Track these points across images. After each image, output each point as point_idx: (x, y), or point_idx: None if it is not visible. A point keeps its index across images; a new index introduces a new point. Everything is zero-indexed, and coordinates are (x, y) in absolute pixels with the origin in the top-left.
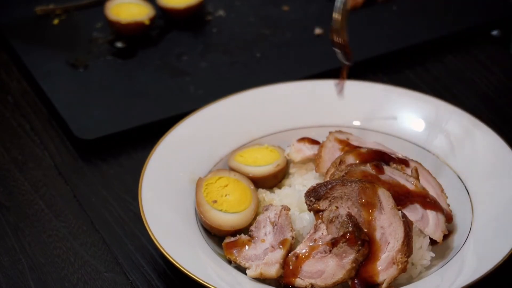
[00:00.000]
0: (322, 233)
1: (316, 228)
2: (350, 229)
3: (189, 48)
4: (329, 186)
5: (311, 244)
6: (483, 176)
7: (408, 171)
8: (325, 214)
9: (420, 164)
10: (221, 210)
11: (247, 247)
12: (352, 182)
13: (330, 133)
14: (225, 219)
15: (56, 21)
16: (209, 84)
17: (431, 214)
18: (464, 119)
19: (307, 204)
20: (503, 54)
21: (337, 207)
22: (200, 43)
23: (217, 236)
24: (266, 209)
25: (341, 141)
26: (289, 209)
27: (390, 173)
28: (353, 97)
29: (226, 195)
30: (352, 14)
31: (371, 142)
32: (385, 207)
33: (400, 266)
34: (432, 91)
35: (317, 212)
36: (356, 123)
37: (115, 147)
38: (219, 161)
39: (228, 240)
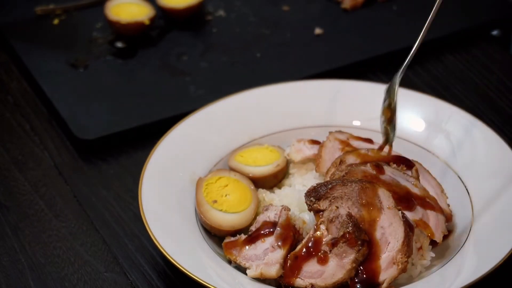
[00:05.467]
0: (322, 233)
1: (316, 228)
2: (350, 229)
3: (189, 48)
4: (329, 186)
5: (311, 244)
6: (483, 176)
7: (408, 171)
8: (325, 214)
9: (420, 164)
10: (221, 210)
11: (247, 247)
12: (352, 182)
13: (330, 133)
14: (225, 219)
15: (56, 21)
16: (209, 84)
17: (431, 215)
18: (464, 119)
19: (307, 204)
20: (503, 54)
21: (337, 207)
22: (200, 43)
23: (217, 236)
24: (266, 209)
25: (341, 141)
26: (289, 209)
27: (390, 173)
28: (353, 97)
29: (226, 195)
30: (352, 14)
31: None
32: (385, 207)
33: (400, 266)
34: (432, 91)
35: (317, 212)
36: (356, 123)
37: (115, 147)
38: (219, 161)
39: (228, 240)
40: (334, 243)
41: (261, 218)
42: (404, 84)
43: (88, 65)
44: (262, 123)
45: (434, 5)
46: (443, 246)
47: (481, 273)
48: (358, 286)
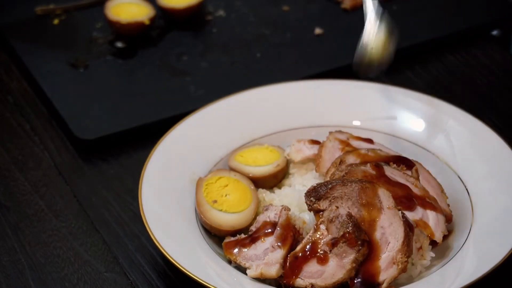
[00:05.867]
0: (322, 233)
1: (316, 228)
2: (350, 229)
3: (189, 48)
4: (329, 186)
5: (311, 244)
6: (483, 176)
7: (408, 171)
8: (325, 214)
9: (420, 164)
10: (221, 210)
11: (247, 247)
12: (352, 182)
13: (330, 133)
14: (225, 219)
15: (56, 21)
16: (209, 84)
17: (431, 215)
18: (464, 119)
19: (307, 204)
20: (503, 54)
21: (337, 207)
22: (200, 43)
23: (217, 236)
24: (266, 209)
25: (341, 141)
26: (289, 209)
27: (390, 173)
28: (353, 97)
29: (226, 195)
30: (352, 14)
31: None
32: (385, 207)
33: (400, 266)
34: (432, 91)
35: (317, 212)
36: (356, 123)
37: (115, 147)
38: (219, 161)
39: (228, 240)
40: (334, 243)
41: (261, 218)
42: (404, 84)
43: (88, 65)
44: (262, 123)
45: None
46: (443, 246)
47: (481, 273)
48: (358, 286)
